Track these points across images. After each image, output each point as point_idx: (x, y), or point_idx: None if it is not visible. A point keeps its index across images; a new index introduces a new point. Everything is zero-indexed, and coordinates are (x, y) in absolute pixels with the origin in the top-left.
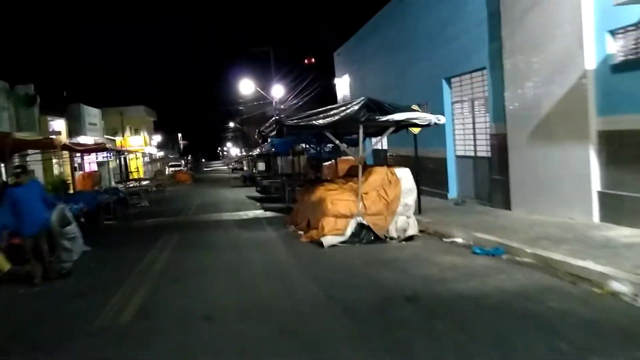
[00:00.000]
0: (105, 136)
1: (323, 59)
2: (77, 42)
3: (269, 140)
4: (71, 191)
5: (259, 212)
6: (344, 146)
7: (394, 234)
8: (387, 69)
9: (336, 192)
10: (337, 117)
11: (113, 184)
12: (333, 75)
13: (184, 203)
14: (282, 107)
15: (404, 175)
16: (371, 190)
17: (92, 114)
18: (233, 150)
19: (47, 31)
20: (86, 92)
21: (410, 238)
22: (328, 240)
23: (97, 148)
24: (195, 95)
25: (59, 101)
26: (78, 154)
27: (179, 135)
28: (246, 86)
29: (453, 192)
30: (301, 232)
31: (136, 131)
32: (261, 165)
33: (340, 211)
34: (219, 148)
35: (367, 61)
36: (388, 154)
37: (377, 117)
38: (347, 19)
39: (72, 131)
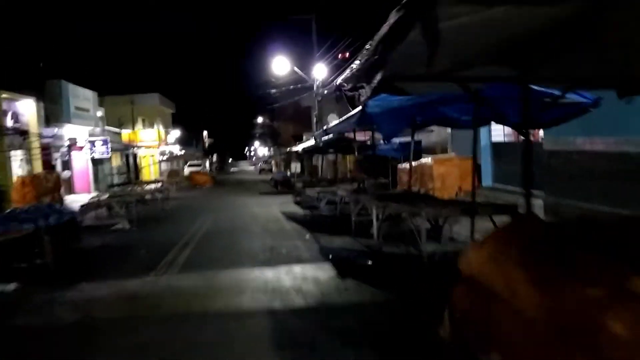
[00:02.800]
0: (106, 127)
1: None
2: (81, 13)
3: (365, 97)
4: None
5: (326, 277)
6: None
7: None
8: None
9: None
10: None
11: (100, 189)
12: None
13: (184, 227)
14: (326, 91)
15: None
16: None
17: (81, 97)
18: (261, 150)
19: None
20: (88, 77)
21: None
22: None
23: None
24: (221, 84)
25: (29, 75)
26: (64, 148)
27: (205, 132)
28: (280, 65)
29: None
30: None
31: (149, 123)
32: (296, 166)
33: None
34: (247, 148)
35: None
36: (544, 147)
37: None
38: None
39: (51, 117)
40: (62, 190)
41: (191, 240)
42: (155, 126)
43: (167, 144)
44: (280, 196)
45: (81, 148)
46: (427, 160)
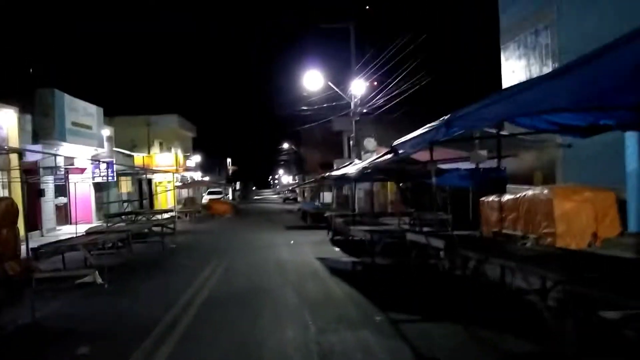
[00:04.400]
0: (115, 149)
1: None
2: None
3: None
4: None
5: None
6: None
7: None
8: None
9: None
10: None
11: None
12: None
13: (179, 284)
14: (365, 110)
15: None
16: None
17: (81, 111)
18: (285, 177)
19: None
20: (98, 94)
21: None
22: None
23: None
24: (246, 105)
25: (14, 82)
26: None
27: (228, 160)
28: (312, 81)
29: None
30: None
31: (167, 147)
32: (327, 196)
33: None
34: (271, 176)
35: None
36: None
37: None
38: None
39: (40, 132)
40: (42, 221)
41: (179, 320)
42: (173, 150)
43: (186, 169)
44: (311, 232)
45: (82, 171)
46: (538, 192)
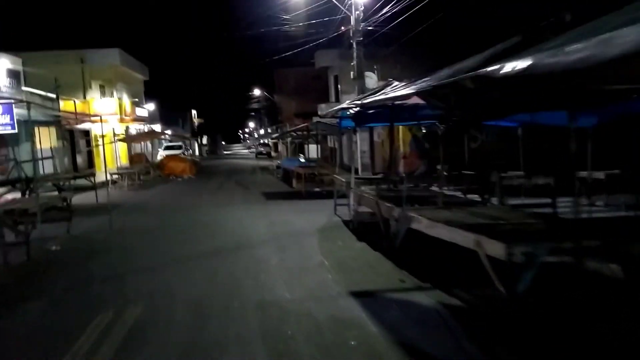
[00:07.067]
0: (25, 88)
1: None
2: None
3: None
4: None
5: None
6: None
7: None
8: None
9: None
10: None
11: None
12: None
13: None
14: (369, 27)
15: None
16: None
17: None
18: (256, 131)
19: None
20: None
21: None
22: None
23: None
24: (211, 43)
25: None
26: None
27: (193, 112)
28: None
29: None
30: None
31: (109, 92)
32: (311, 149)
33: None
34: (240, 130)
35: None
36: None
37: None
38: None
39: None
40: None
41: None
42: (116, 94)
43: (137, 119)
44: (304, 205)
45: None
46: None
